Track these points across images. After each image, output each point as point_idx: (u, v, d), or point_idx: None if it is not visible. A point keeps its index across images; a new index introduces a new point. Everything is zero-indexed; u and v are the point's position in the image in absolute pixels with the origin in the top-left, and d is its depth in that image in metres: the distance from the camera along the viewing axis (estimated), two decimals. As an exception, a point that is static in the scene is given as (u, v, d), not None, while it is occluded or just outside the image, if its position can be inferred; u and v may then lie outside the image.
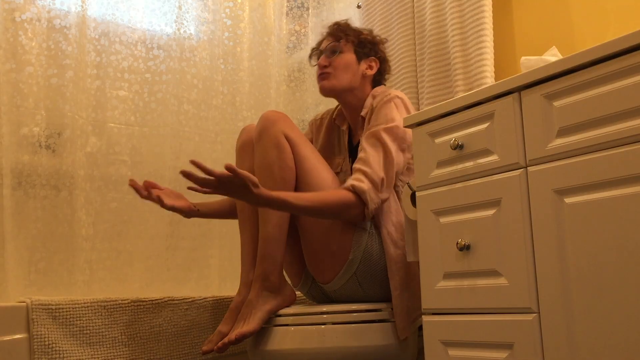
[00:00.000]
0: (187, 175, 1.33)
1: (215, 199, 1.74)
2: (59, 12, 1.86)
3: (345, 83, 1.73)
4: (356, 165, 1.57)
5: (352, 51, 1.75)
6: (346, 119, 1.83)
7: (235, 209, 1.72)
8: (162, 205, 1.57)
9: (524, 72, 1.13)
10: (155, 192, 1.58)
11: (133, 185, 1.56)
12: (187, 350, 1.79)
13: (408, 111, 1.64)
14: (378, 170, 1.54)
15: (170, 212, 1.96)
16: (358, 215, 1.55)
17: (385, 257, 1.59)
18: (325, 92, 1.76)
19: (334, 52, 1.75)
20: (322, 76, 1.74)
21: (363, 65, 1.76)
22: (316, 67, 1.79)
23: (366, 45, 1.77)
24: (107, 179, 1.90)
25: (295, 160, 1.59)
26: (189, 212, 1.66)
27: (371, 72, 1.77)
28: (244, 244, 1.65)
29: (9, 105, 1.74)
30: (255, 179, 1.37)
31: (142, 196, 1.57)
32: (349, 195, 1.51)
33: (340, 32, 1.76)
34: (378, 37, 1.82)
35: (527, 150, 1.11)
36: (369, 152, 1.56)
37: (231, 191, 1.39)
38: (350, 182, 1.53)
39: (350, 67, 1.74)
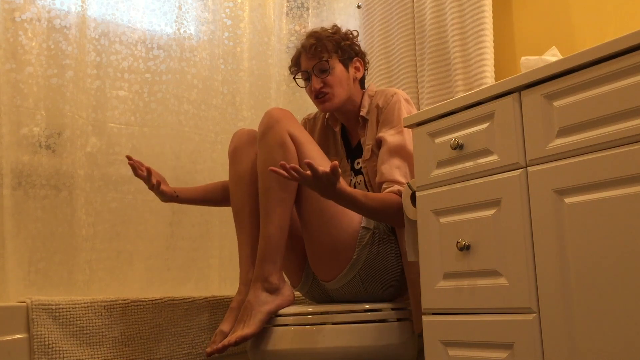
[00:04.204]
0: (293, 170, 1.36)
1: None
2: (59, 12, 1.86)
3: (344, 97, 1.73)
4: (396, 177, 1.58)
5: (338, 62, 1.73)
6: (338, 120, 1.83)
7: (217, 198, 1.79)
8: (149, 181, 1.66)
9: (524, 72, 1.13)
10: (144, 167, 1.67)
11: (133, 162, 1.64)
12: (187, 350, 1.79)
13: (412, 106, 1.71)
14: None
15: (170, 213, 1.98)
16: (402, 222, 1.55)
17: (401, 254, 1.61)
18: (327, 111, 1.78)
19: (323, 71, 1.71)
20: (321, 99, 1.71)
21: (351, 71, 1.76)
22: (307, 88, 1.75)
23: (347, 50, 1.74)
24: (107, 179, 1.90)
25: (300, 160, 1.58)
26: (169, 197, 1.72)
27: (360, 74, 1.78)
28: (242, 244, 1.64)
29: (9, 105, 1.74)
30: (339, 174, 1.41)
31: (137, 174, 1.66)
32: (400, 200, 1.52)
33: (321, 50, 1.71)
34: (350, 34, 1.79)
35: (527, 150, 1.11)
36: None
37: (319, 186, 1.41)
38: (397, 187, 1.55)
39: (344, 80, 1.73)
